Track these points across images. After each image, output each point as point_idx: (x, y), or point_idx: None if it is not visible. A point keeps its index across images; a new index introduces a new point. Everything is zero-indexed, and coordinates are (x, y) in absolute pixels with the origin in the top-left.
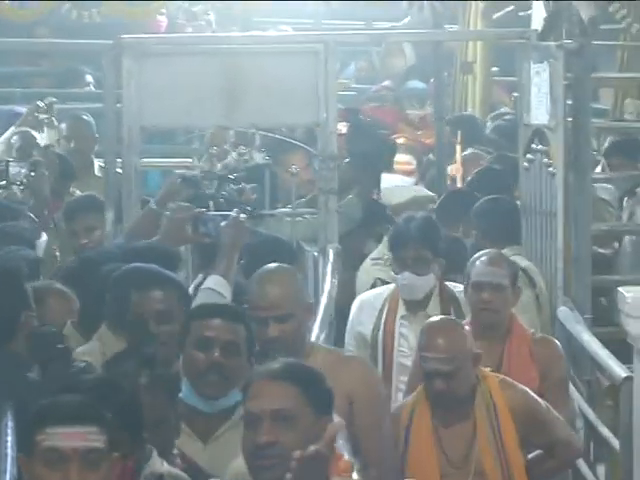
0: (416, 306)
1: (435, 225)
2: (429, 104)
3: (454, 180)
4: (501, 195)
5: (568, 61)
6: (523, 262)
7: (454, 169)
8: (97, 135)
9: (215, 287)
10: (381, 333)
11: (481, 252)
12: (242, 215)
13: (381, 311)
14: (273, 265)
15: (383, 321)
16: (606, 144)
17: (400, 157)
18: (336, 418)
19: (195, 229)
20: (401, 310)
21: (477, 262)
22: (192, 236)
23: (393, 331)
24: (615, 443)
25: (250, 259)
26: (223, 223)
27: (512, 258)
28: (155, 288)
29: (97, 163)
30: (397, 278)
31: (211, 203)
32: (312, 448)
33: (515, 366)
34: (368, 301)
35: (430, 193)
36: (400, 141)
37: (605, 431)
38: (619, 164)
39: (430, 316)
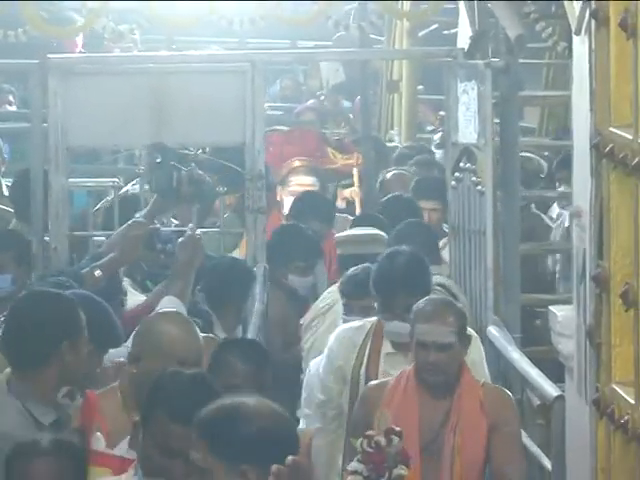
0: (404, 346)
1: (424, 263)
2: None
3: (352, 203)
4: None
5: (495, 79)
6: (444, 280)
7: (352, 192)
8: (6, 156)
9: (170, 308)
10: (363, 369)
11: (426, 299)
12: (198, 231)
13: (362, 347)
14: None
15: (366, 358)
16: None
17: (303, 179)
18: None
19: (151, 246)
20: (386, 347)
21: (422, 315)
22: (148, 253)
23: (377, 368)
24: (547, 463)
25: (210, 282)
26: (179, 240)
27: (435, 279)
28: None
29: (4, 183)
30: (383, 323)
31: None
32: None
33: (464, 421)
34: (347, 336)
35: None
36: (297, 164)
37: (536, 450)
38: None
39: None
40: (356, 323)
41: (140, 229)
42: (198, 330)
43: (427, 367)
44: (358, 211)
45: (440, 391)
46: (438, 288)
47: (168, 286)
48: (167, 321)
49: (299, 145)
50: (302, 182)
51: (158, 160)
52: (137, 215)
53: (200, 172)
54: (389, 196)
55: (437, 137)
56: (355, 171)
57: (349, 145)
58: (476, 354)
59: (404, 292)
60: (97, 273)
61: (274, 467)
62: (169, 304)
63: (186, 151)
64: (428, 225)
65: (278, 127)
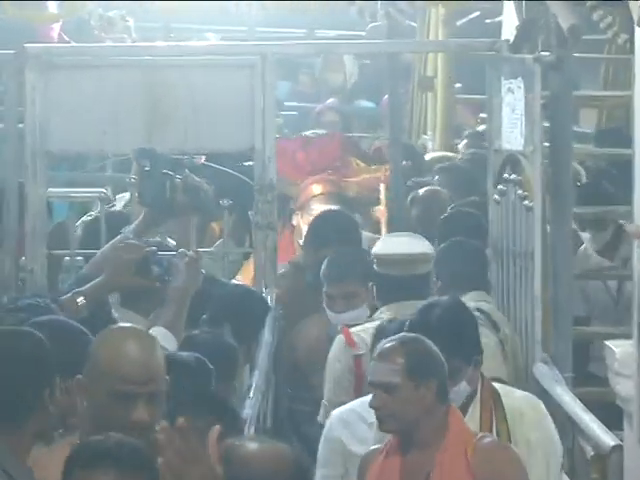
0: None
1: (466, 315)
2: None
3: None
4: (468, 238)
5: (545, 76)
6: (485, 306)
7: (377, 211)
8: None
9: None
10: None
11: (388, 339)
12: (194, 255)
13: None
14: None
15: None
16: None
17: (322, 208)
18: None
19: (146, 271)
20: None
21: (375, 353)
22: (141, 280)
23: None
24: None
25: (217, 312)
26: (176, 263)
27: (476, 304)
28: None
29: None
30: None
31: None
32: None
33: None
34: (354, 412)
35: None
36: (318, 190)
37: None
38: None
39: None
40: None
41: (135, 252)
42: (157, 345)
43: (375, 413)
44: (384, 232)
45: (419, 451)
46: (477, 314)
47: (158, 314)
48: (108, 337)
49: (316, 152)
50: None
51: (147, 168)
52: (124, 230)
53: (197, 179)
54: (451, 212)
55: (462, 145)
56: (382, 187)
57: (379, 153)
58: (535, 432)
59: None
60: (79, 300)
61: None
62: (158, 335)
63: (179, 156)
64: (479, 245)
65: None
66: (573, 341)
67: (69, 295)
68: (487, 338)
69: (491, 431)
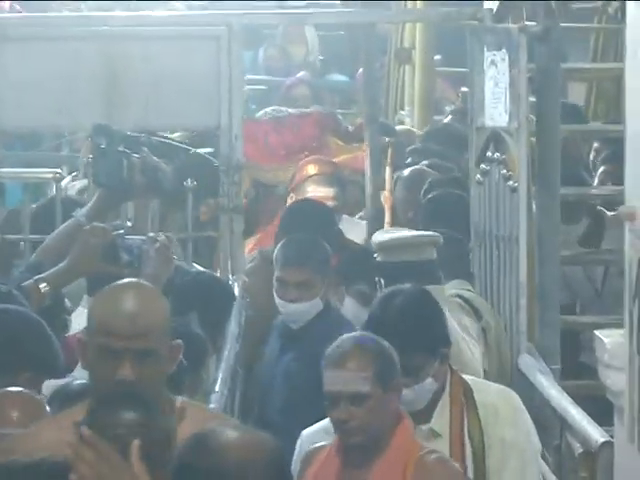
0: (416, 417)
1: (430, 305)
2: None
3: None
4: (451, 222)
5: (531, 48)
6: (467, 293)
7: (383, 197)
8: None
9: None
10: None
11: (338, 341)
12: (165, 240)
13: None
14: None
15: None
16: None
17: (321, 190)
18: None
19: (114, 257)
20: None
21: (329, 359)
22: (108, 265)
23: None
24: None
25: (181, 300)
26: (146, 249)
27: (457, 291)
28: None
29: None
30: None
31: None
32: None
33: None
34: (325, 431)
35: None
36: (313, 171)
37: None
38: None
39: (436, 432)
40: None
41: (102, 235)
42: (155, 301)
43: (340, 426)
44: (388, 220)
45: (361, 457)
46: (457, 300)
47: None
48: (105, 290)
49: (290, 134)
50: (320, 193)
51: (102, 145)
52: (77, 213)
53: (155, 159)
54: (434, 194)
55: (448, 120)
56: (388, 170)
57: (361, 130)
58: (510, 429)
59: (397, 345)
60: (43, 287)
61: None
62: None
63: (136, 134)
64: (457, 235)
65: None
66: (561, 330)
67: (31, 282)
68: (470, 324)
69: (462, 430)
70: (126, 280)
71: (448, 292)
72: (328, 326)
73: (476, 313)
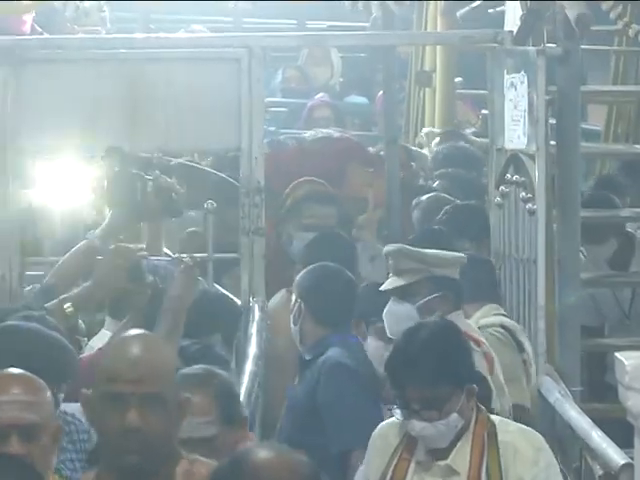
0: (438, 452)
1: (456, 339)
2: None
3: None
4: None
5: (551, 70)
6: (508, 322)
7: (362, 219)
8: None
9: None
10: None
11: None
12: (190, 261)
13: (396, 450)
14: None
15: (393, 465)
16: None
17: (317, 210)
18: None
19: (139, 278)
20: (419, 453)
21: None
22: (133, 286)
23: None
24: None
25: (203, 321)
26: (171, 270)
27: (500, 319)
28: None
29: None
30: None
31: None
32: None
33: None
34: (383, 434)
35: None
36: (307, 187)
37: None
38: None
39: (453, 470)
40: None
41: (127, 256)
42: (159, 347)
43: None
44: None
45: None
46: (500, 330)
47: (156, 327)
48: (110, 342)
49: (310, 163)
50: (317, 213)
51: (116, 168)
52: (89, 235)
53: (168, 180)
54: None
55: (434, 145)
56: (370, 192)
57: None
58: (530, 471)
59: (418, 382)
60: (67, 307)
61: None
62: None
63: (149, 155)
64: (486, 257)
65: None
66: (587, 353)
67: (56, 302)
68: (508, 360)
69: (480, 469)
70: (132, 331)
71: (485, 320)
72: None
73: (518, 345)
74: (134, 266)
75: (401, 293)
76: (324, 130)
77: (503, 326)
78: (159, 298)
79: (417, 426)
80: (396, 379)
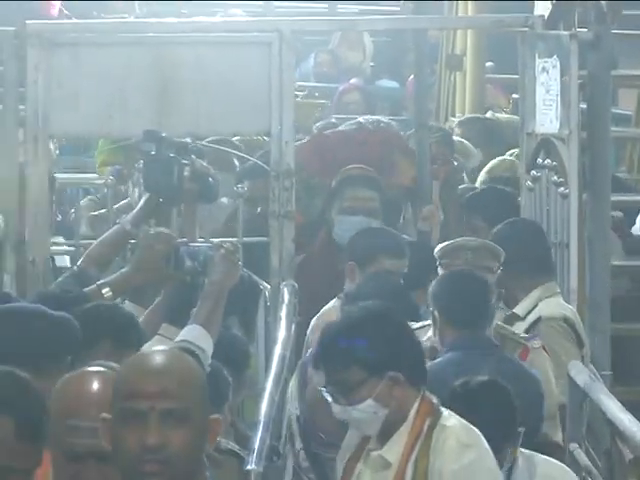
0: (375, 443)
1: (381, 323)
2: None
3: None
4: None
5: (581, 55)
6: (570, 312)
7: (426, 211)
8: None
9: (194, 340)
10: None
11: None
12: (230, 247)
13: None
14: None
15: (355, 450)
16: None
17: (359, 192)
18: None
19: (178, 263)
20: (372, 441)
21: None
22: (172, 272)
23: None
24: None
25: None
26: (211, 256)
27: (562, 312)
28: None
29: None
30: None
31: None
32: None
33: None
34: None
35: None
36: (352, 171)
37: None
38: None
39: (385, 461)
40: None
41: (166, 242)
42: (181, 359)
43: None
44: (436, 237)
45: None
46: (563, 325)
47: (196, 312)
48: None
49: (357, 149)
50: (358, 195)
51: (152, 152)
52: (123, 219)
53: (204, 164)
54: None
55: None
56: (434, 183)
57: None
58: (450, 465)
59: (325, 365)
60: (106, 292)
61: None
62: (193, 335)
63: (185, 140)
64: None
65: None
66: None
67: (94, 287)
68: (571, 355)
69: (408, 462)
70: (156, 346)
71: (549, 311)
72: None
73: (579, 340)
74: (174, 251)
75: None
76: (357, 119)
77: (566, 319)
78: (198, 284)
79: (334, 409)
80: (315, 359)
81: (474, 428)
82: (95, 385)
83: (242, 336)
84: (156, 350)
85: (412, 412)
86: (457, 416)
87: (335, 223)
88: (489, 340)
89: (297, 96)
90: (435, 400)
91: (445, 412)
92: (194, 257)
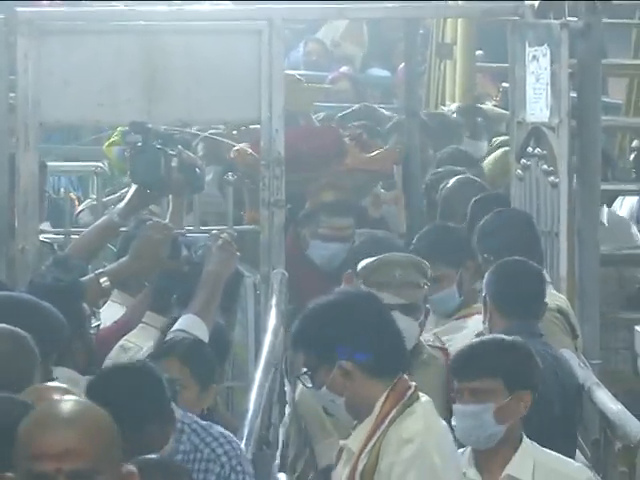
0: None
1: (342, 308)
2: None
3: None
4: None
5: (572, 43)
6: (564, 303)
7: (390, 196)
8: None
9: (189, 329)
10: None
11: None
12: (227, 236)
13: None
14: None
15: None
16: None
17: (336, 221)
18: None
19: (174, 253)
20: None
21: None
22: (169, 262)
23: None
24: None
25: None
26: (209, 246)
27: (556, 303)
28: None
29: None
30: None
31: None
32: None
33: None
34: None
35: None
36: (330, 197)
37: None
38: None
39: (349, 450)
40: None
41: (164, 232)
42: (91, 413)
43: None
44: (402, 224)
45: None
46: (557, 316)
47: (192, 301)
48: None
49: (318, 146)
50: (335, 225)
51: (139, 143)
52: (110, 211)
53: (191, 155)
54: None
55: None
56: (396, 169)
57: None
58: (386, 458)
59: (291, 346)
60: (104, 281)
61: None
62: (188, 324)
63: (171, 130)
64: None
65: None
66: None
67: (92, 276)
68: (565, 347)
69: (362, 452)
70: (61, 395)
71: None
72: None
73: (572, 331)
74: (171, 241)
75: None
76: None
77: (559, 310)
78: (194, 273)
79: (309, 392)
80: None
81: (434, 424)
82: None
83: (223, 324)
84: (59, 403)
85: (379, 403)
86: (428, 407)
87: (310, 244)
88: (537, 331)
89: (301, 80)
90: (411, 391)
91: (418, 404)
92: (190, 247)
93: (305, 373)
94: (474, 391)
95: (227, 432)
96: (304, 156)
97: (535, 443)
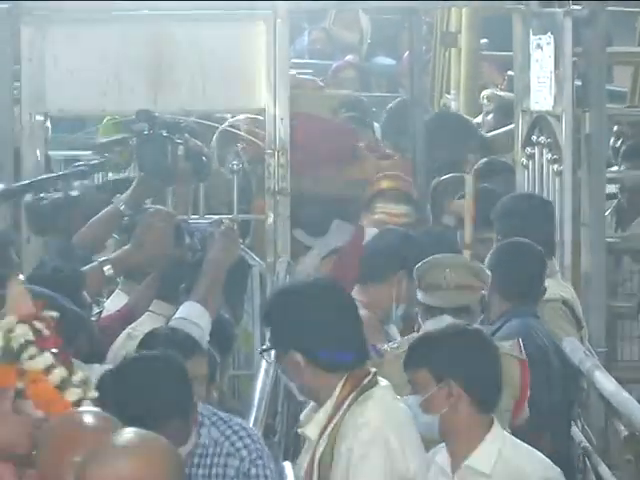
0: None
1: (293, 303)
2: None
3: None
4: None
5: (577, 32)
6: (569, 293)
7: (456, 205)
8: None
9: (190, 317)
10: None
11: None
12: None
13: None
14: None
15: None
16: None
17: (392, 207)
18: None
19: (178, 241)
20: None
21: None
22: (174, 250)
23: None
24: None
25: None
26: (211, 233)
27: (561, 293)
28: None
29: None
30: None
31: None
32: None
33: None
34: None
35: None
36: (385, 185)
37: None
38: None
39: (307, 437)
40: None
41: (168, 219)
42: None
43: None
44: (468, 231)
45: None
46: (562, 307)
47: (194, 289)
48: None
49: (335, 144)
50: (391, 211)
51: (145, 132)
52: (117, 199)
53: (198, 143)
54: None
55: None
56: (466, 177)
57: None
58: (344, 443)
59: None
60: (107, 269)
61: None
62: (190, 312)
63: (178, 119)
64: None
65: None
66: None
67: (96, 264)
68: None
69: (321, 437)
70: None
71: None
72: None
73: (578, 322)
74: (175, 229)
75: None
76: None
77: (564, 301)
78: (198, 261)
79: None
80: None
81: (393, 408)
82: None
83: (228, 317)
84: (119, 449)
85: (337, 389)
86: (387, 391)
87: (366, 233)
88: (535, 314)
89: (322, 87)
90: (369, 377)
91: (377, 388)
92: (193, 234)
93: (266, 349)
94: (411, 383)
95: (247, 424)
96: (318, 158)
97: (510, 435)
